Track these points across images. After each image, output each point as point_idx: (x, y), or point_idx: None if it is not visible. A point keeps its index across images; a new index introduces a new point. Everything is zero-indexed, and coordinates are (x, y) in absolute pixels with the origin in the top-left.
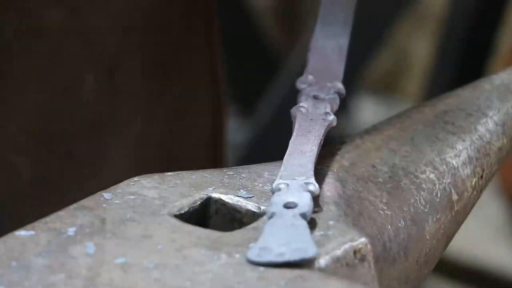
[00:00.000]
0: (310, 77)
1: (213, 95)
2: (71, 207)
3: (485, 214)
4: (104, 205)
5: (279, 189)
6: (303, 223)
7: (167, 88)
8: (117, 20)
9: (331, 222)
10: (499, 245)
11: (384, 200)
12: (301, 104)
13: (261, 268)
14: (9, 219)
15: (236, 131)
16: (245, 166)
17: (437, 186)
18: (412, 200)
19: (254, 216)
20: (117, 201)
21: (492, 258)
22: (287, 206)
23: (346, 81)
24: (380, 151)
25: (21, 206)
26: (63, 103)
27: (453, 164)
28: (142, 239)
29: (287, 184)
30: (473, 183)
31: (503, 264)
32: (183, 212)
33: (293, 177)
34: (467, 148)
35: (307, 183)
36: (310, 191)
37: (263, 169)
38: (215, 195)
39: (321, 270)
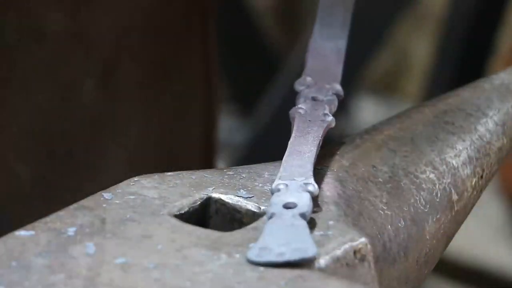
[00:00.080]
0: (309, 78)
1: (206, 95)
2: (71, 207)
3: (485, 214)
4: (104, 205)
5: (279, 190)
6: (303, 223)
7: (166, 88)
8: (117, 20)
9: (331, 222)
10: (499, 245)
11: (384, 200)
12: (299, 105)
13: (261, 268)
14: (9, 219)
15: (236, 131)
16: (245, 166)
17: (437, 186)
18: (412, 200)
19: (254, 216)
20: (117, 201)
21: (492, 258)
22: (287, 206)
23: (346, 81)
24: (380, 151)
25: (21, 206)
26: (63, 104)
27: (453, 164)
28: (142, 239)
29: (286, 185)
30: (473, 183)
31: (503, 264)
32: (183, 212)
33: (292, 178)
34: (467, 148)
35: (306, 184)
36: (309, 192)
37: (263, 169)
38: (215, 195)
39: (321, 270)
